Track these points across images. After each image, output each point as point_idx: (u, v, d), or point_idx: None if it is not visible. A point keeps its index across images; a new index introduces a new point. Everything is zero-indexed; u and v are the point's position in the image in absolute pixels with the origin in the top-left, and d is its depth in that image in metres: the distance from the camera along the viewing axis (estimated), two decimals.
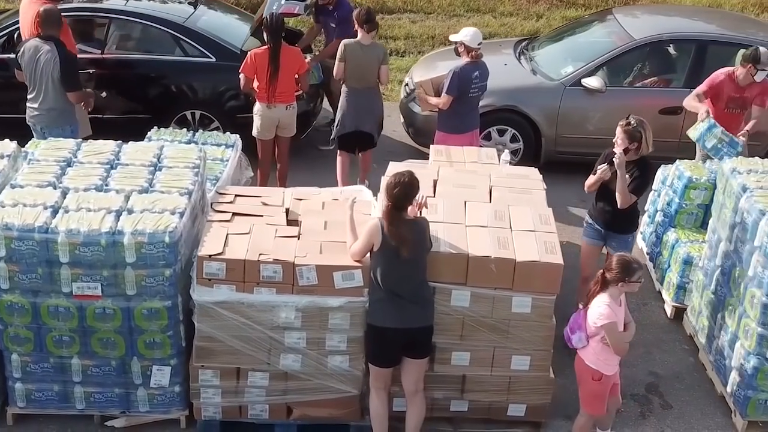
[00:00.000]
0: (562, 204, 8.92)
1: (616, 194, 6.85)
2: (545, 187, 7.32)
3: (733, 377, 6.73)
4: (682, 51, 10.09)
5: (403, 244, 5.69)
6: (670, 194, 8.21)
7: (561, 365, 6.59)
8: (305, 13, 10.31)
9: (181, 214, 5.97)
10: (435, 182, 6.87)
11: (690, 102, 8.76)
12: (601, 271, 5.89)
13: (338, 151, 9.14)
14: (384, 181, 6.21)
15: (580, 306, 6.02)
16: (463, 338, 6.18)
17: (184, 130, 8.21)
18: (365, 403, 6.20)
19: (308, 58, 9.98)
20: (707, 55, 9.86)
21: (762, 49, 8.61)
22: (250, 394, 6.18)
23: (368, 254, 5.85)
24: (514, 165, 9.53)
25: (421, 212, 6.23)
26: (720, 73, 8.68)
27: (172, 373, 6.17)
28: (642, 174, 6.92)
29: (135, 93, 9.70)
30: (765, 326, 6.41)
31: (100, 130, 8.56)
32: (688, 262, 7.69)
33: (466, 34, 8.47)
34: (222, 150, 7.86)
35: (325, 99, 10.79)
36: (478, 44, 8.46)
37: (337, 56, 8.81)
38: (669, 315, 7.90)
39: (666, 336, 7.70)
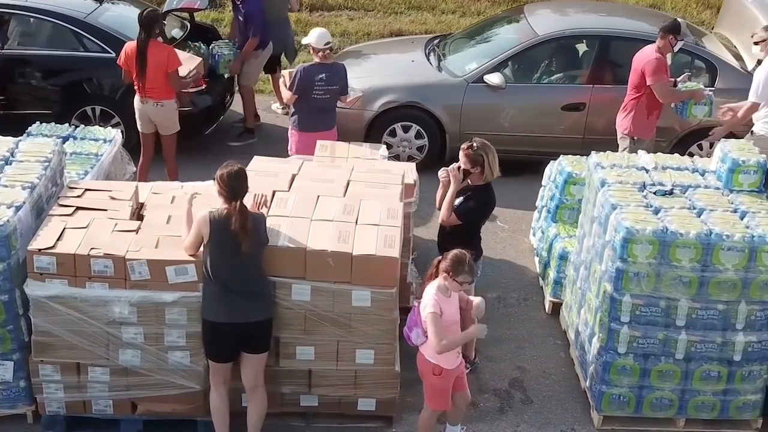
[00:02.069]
0: None
1: (442, 207, 6.65)
2: (414, 180, 7.32)
3: (591, 372, 6.71)
4: (586, 47, 10.07)
5: (241, 234, 5.66)
6: (552, 189, 8.19)
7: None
8: (207, 8, 10.31)
9: (18, 208, 5.95)
10: (294, 176, 6.84)
11: (675, 95, 8.88)
12: (439, 258, 5.86)
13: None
14: None
15: (415, 303, 5.98)
16: (307, 332, 6.15)
17: (66, 125, 8.17)
18: None
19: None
20: (610, 50, 9.86)
21: (680, 20, 8.86)
22: (92, 390, 6.15)
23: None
24: (420, 161, 9.62)
25: (268, 210, 6.23)
26: (654, 56, 8.67)
27: (16, 368, 6.14)
28: (476, 199, 6.62)
29: (36, 89, 9.74)
30: (616, 321, 6.39)
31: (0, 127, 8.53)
32: (563, 257, 7.67)
33: (311, 36, 8.45)
34: (99, 145, 7.81)
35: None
36: (325, 44, 8.38)
37: None
38: (547, 310, 7.88)
39: (541, 331, 7.67)
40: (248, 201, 5.95)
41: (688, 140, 9.75)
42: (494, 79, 9.68)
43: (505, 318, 7.79)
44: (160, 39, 8.73)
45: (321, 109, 8.44)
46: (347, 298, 6.04)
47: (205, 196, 6.17)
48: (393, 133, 9.89)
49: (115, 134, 8.04)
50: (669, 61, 9.11)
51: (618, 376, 6.50)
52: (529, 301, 8.04)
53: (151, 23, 8.48)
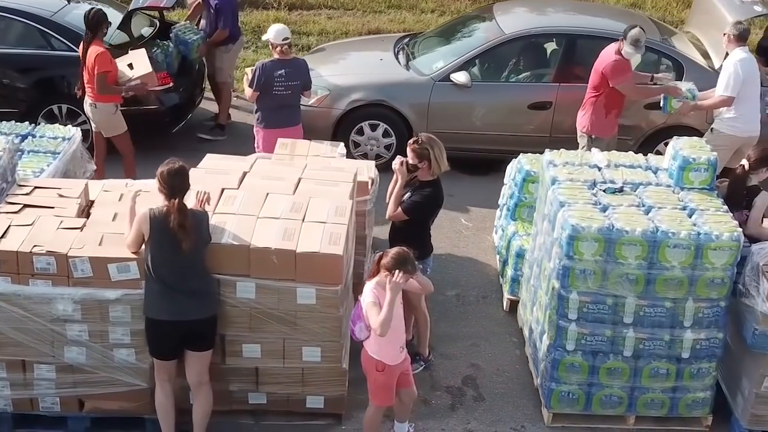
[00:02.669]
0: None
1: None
2: (371, 177, 7.32)
3: (541, 369, 6.71)
4: (553, 45, 10.07)
5: (180, 232, 5.66)
6: (512, 187, 8.19)
7: None
8: (173, 6, 10.31)
9: None
10: (245, 174, 6.83)
11: (644, 92, 8.98)
12: (381, 253, 5.86)
13: None
14: None
15: (359, 298, 5.99)
16: (252, 330, 6.15)
17: (26, 123, 8.17)
18: None
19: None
20: (576, 49, 9.86)
21: (634, 30, 8.69)
22: (39, 387, 6.15)
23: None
24: (387, 159, 9.61)
25: (215, 208, 6.22)
26: (613, 58, 8.66)
27: None
28: (423, 194, 6.63)
29: (2, 87, 9.75)
30: (563, 318, 6.40)
31: None
32: (520, 255, 7.67)
33: (270, 32, 8.47)
34: (57, 143, 7.80)
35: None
36: (283, 39, 8.39)
37: None
38: (505, 308, 7.88)
39: (498, 329, 7.67)
40: (192, 198, 5.94)
41: (655, 138, 9.75)
42: (460, 77, 9.68)
43: (463, 316, 7.80)
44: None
45: (283, 105, 8.45)
46: (292, 295, 6.04)
47: (151, 194, 6.16)
48: (361, 132, 9.89)
49: (74, 132, 8.03)
50: (638, 60, 9.09)
51: (567, 374, 6.51)
52: (488, 299, 8.04)
53: (97, 23, 8.52)
